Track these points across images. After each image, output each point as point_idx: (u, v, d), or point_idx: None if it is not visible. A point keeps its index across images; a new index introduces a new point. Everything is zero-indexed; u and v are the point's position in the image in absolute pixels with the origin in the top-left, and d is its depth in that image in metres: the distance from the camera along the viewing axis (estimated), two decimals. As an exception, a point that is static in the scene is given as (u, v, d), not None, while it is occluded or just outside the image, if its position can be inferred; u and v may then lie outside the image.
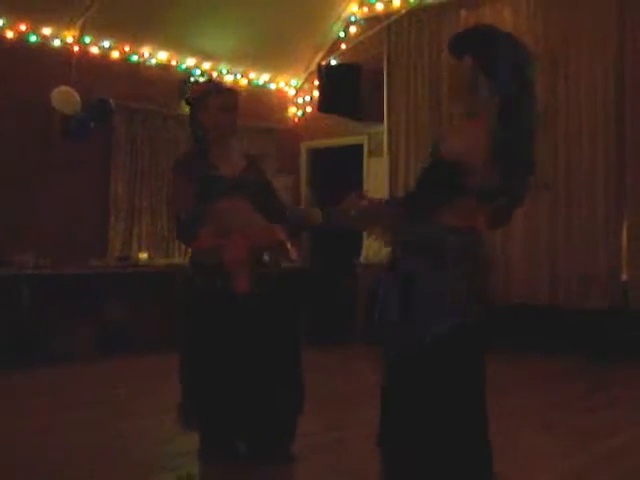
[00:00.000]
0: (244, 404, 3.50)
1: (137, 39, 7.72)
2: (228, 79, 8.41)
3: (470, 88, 2.67)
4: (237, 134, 3.77)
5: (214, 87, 3.77)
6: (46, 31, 7.14)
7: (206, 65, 8.39)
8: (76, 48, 7.32)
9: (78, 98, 6.97)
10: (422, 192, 2.66)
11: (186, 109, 3.84)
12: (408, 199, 2.76)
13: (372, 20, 8.54)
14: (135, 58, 7.83)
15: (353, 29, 8.73)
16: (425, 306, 2.57)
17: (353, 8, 8.69)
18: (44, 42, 7.15)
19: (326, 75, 8.45)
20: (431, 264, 2.58)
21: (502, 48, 2.63)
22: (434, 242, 2.60)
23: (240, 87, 8.29)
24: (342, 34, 8.80)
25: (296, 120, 9.33)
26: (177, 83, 8.11)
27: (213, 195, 3.53)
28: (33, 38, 7.08)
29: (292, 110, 9.34)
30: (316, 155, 9.32)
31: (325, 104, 8.44)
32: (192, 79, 8.07)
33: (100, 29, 7.36)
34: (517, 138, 2.57)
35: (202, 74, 8.28)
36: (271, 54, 8.60)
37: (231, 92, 3.74)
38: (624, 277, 6.91)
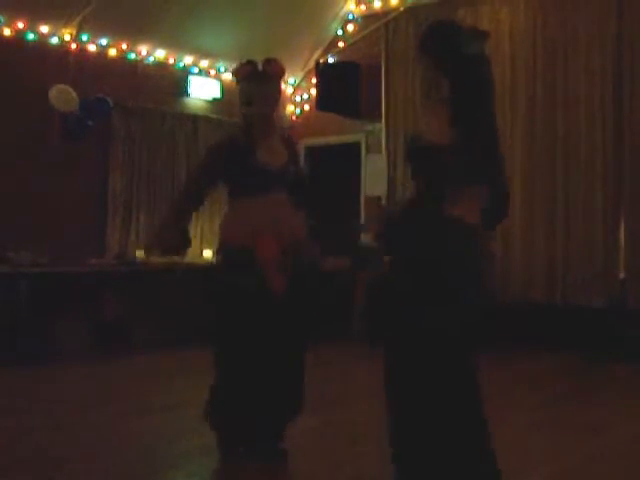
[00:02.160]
0: (261, 400, 3.48)
1: (135, 37, 7.71)
2: (226, 77, 8.39)
3: (432, 88, 2.71)
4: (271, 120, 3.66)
5: (243, 73, 3.65)
6: (44, 29, 7.13)
7: (204, 63, 8.38)
8: (74, 46, 7.32)
9: (76, 96, 6.95)
10: (439, 179, 2.62)
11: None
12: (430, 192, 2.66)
13: (370, 18, 8.55)
14: (133, 56, 7.83)
15: (351, 27, 8.74)
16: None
17: (351, 6, 8.69)
18: (42, 40, 7.13)
19: (324, 73, 8.45)
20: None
21: (456, 47, 2.65)
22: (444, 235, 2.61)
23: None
24: (340, 32, 8.80)
25: (294, 118, 9.32)
26: (175, 80, 8.11)
27: (256, 189, 3.47)
28: (31, 36, 7.06)
29: (290, 108, 9.34)
30: (314, 153, 9.31)
31: (323, 102, 8.44)
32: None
33: (98, 27, 7.34)
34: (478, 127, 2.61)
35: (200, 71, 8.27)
36: (269, 52, 8.49)
37: (257, 81, 3.59)
38: (622, 275, 6.92)
